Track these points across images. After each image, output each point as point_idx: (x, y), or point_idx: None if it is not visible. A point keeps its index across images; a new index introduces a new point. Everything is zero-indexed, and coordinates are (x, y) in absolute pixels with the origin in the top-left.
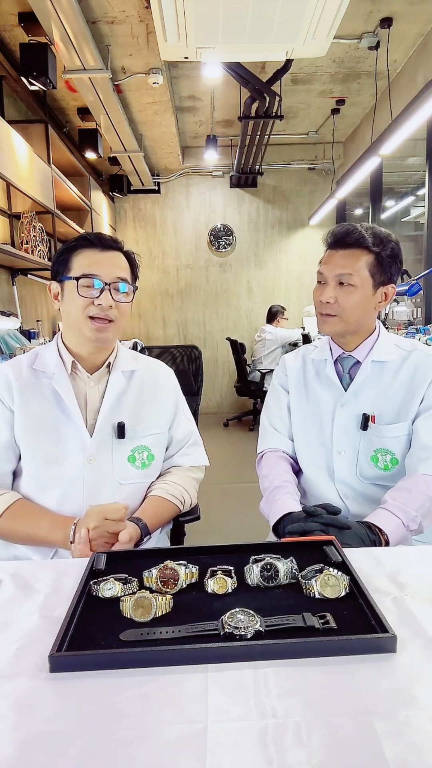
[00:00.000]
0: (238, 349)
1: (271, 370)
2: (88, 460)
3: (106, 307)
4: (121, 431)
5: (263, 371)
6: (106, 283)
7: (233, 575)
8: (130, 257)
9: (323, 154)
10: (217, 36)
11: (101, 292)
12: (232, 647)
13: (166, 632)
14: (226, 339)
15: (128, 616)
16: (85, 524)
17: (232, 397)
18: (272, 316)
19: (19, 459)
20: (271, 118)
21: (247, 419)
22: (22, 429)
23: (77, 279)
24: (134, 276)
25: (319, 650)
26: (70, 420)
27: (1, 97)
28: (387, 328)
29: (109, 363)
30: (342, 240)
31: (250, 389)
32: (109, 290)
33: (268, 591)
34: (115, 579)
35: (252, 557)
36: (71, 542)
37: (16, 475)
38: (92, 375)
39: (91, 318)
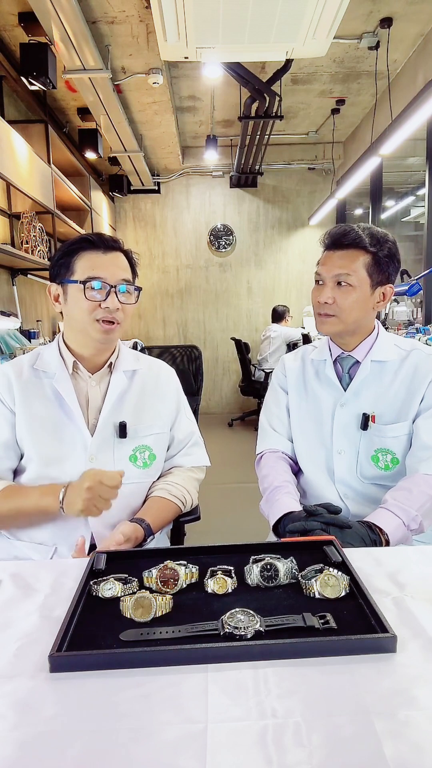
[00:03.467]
0: (242, 348)
1: None
2: (90, 460)
3: (113, 309)
4: (122, 431)
5: (267, 371)
6: (111, 286)
7: (233, 575)
8: (129, 257)
9: (323, 154)
10: (217, 36)
11: (107, 294)
12: (232, 647)
13: (166, 632)
14: (231, 339)
15: (128, 616)
16: (80, 484)
17: (233, 397)
18: (280, 315)
19: (21, 458)
20: (271, 118)
21: (251, 419)
22: (23, 429)
23: (83, 283)
24: (134, 275)
25: (319, 650)
26: (71, 420)
27: (1, 97)
28: (387, 328)
29: (111, 363)
30: (339, 241)
31: (255, 388)
32: (115, 292)
33: (268, 591)
34: (115, 579)
35: (252, 557)
36: (61, 506)
37: (17, 473)
38: (94, 375)
39: (98, 321)
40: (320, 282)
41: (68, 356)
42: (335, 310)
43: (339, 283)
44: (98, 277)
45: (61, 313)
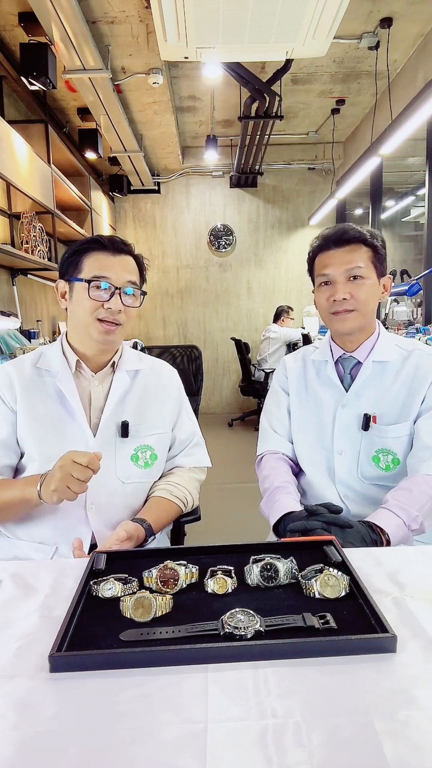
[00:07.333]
0: (242, 348)
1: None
2: None
3: (115, 311)
4: (124, 430)
5: (267, 371)
6: (116, 287)
7: (233, 575)
8: (139, 261)
9: (323, 154)
10: (217, 36)
11: (111, 295)
12: (232, 647)
13: (166, 632)
14: (231, 339)
15: (128, 616)
16: (54, 466)
17: (233, 396)
18: (277, 315)
19: (22, 457)
20: (271, 118)
21: (251, 419)
22: (25, 428)
23: (88, 282)
24: (142, 280)
25: (319, 650)
26: (73, 418)
27: (1, 97)
28: (387, 328)
29: (114, 362)
30: (341, 238)
31: (255, 388)
32: (119, 294)
33: (268, 591)
34: (115, 579)
35: (252, 557)
36: (38, 492)
37: (18, 472)
38: (96, 374)
39: (99, 320)
40: (329, 282)
41: (71, 355)
42: (354, 304)
43: (353, 278)
44: (104, 277)
45: (67, 310)
